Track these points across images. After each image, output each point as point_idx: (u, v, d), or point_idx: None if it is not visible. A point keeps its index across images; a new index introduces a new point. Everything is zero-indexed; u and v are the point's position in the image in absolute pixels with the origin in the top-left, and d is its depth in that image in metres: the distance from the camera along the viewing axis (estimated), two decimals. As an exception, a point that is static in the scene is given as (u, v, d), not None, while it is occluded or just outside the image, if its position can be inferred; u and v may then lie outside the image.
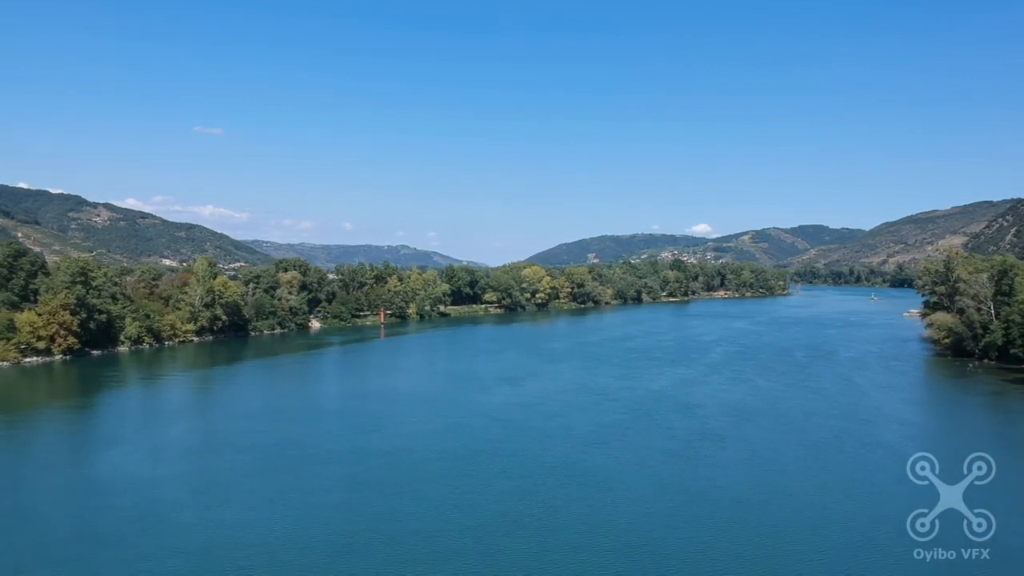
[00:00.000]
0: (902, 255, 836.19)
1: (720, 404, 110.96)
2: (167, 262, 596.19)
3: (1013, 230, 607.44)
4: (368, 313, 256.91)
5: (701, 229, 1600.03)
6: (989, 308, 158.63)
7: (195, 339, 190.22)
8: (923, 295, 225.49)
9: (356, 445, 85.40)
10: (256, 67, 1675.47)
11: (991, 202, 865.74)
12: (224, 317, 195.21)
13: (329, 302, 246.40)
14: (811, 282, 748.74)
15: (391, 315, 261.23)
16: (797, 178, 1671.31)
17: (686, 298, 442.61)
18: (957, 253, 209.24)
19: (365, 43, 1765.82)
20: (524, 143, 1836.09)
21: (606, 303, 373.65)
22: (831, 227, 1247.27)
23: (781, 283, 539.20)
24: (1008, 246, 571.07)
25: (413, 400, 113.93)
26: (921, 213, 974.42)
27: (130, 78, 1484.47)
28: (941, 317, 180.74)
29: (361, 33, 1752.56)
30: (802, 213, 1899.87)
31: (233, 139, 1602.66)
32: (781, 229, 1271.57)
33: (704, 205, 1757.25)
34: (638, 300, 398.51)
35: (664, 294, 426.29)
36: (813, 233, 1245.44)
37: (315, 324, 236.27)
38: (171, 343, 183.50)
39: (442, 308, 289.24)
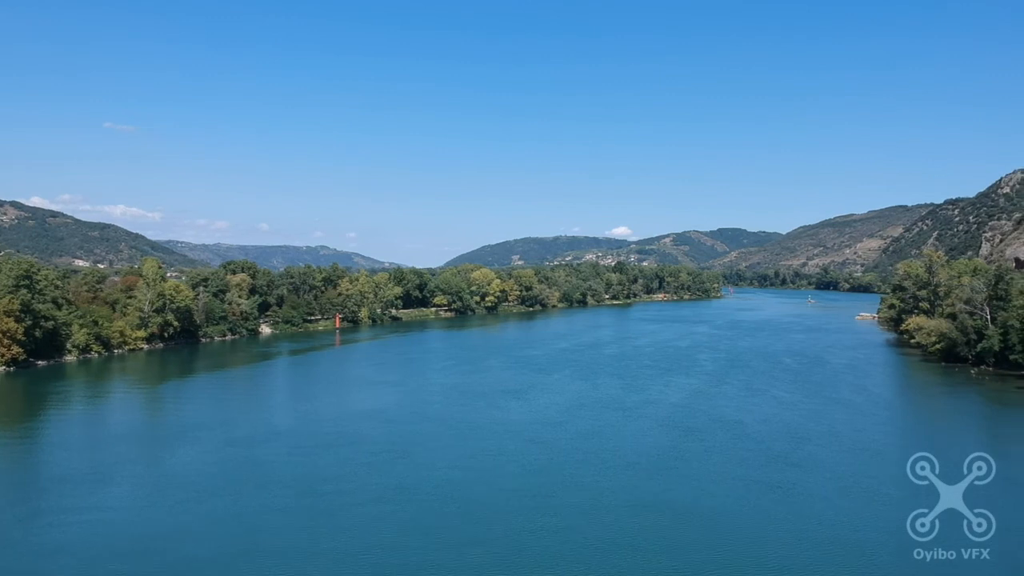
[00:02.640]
0: (821, 258, 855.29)
1: (761, 421, 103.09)
2: (80, 263, 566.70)
3: (935, 234, 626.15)
4: (319, 317, 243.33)
5: (621, 232, 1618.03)
6: (985, 313, 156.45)
7: (145, 346, 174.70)
8: (897, 299, 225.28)
9: (393, 482, 73.78)
10: (169, 63, 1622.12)
11: (905, 206, 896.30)
12: (176, 323, 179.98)
13: (279, 306, 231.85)
14: (737, 284, 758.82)
15: (342, 319, 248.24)
16: (715, 181, 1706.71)
17: (628, 300, 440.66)
18: (938, 257, 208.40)
19: (279, 38, 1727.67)
20: (446, 143, 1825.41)
21: (553, 306, 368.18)
22: (749, 230, 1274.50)
23: (716, 286, 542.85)
24: (927, 250, 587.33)
25: (424, 421, 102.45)
26: (838, 217, 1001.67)
27: (35, 72, 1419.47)
28: (928, 322, 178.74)
29: (275, 27, 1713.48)
30: (721, 216, 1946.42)
31: (145, 136, 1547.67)
32: (701, 232, 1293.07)
33: (623, 208, 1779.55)
34: (583, 303, 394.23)
35: (607, 297, 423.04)
36: (732, 236, 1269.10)
37: (266, 330, 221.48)
38: (121, 351, 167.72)
39: (393, 312, 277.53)
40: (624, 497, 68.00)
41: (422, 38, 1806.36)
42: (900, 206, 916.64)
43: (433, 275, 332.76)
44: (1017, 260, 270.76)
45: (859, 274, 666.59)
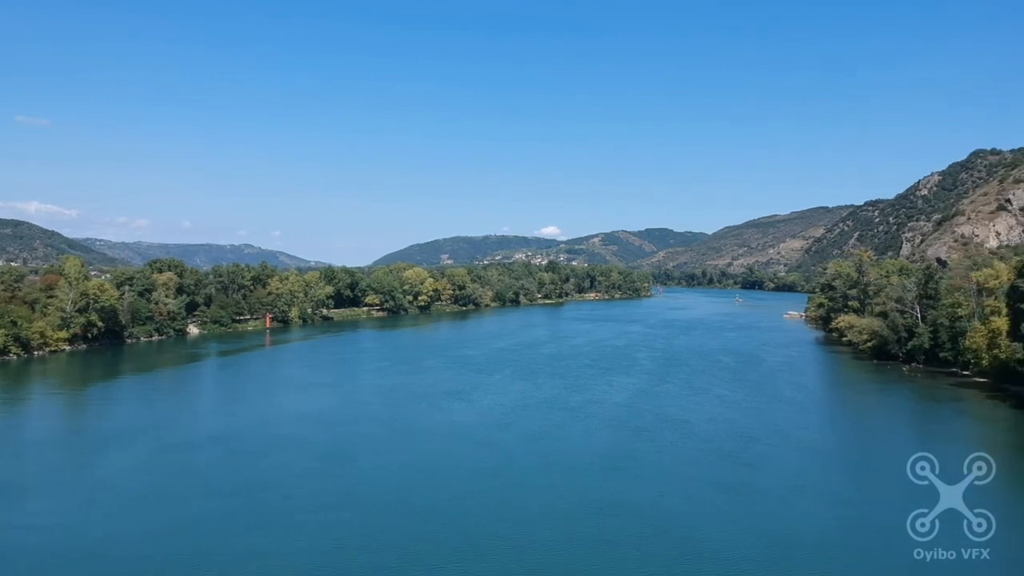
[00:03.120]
0: (746, 258, 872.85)
1: (707, 420, 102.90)
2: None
3: (856, 234, 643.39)
4: (249, 317, 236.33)
5: (550, 231, 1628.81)
6: (915, 312, 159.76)
7: (67, 348, 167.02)
8: (826, 298, 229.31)
9: (341, 487, 70.57)
10: (85, 56, 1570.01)
11: (827, 208, 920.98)
12: (100, 323, 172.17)
13: (207, 305, 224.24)
14: (666, 284, 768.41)
15: (272, 319, 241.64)
16: (642, 181, 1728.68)
17: (560, 300, 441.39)
18: (868, 257, 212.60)
19: (200, 34, 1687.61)
20: (373, 140, 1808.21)
21: (486, 305, 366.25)
22: (676, 230, 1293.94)
23: (646, 285, 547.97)
24: (851, 250, 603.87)
25: (367, 424, 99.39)
26: (762, 218, 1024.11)
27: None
28: (858, 320, 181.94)
29: (194, 24, 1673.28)
30: (648, 216, 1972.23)
31: (61, 130, 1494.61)
32: (629, 232, 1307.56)
33: (553, 207, 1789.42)
34: (516, 302, 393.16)
35: (540, 296, 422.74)
36: (660, 236, 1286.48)
37: (194, 330, 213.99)
38: (41, 353, 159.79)
39: (325, 311, 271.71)
40: (582, 500, 66.32)
41: (366, 35, 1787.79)
42: (821, 207, 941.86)
43: (365, 274, 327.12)
44: (939, 260, 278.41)
45: (783, 273, 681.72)
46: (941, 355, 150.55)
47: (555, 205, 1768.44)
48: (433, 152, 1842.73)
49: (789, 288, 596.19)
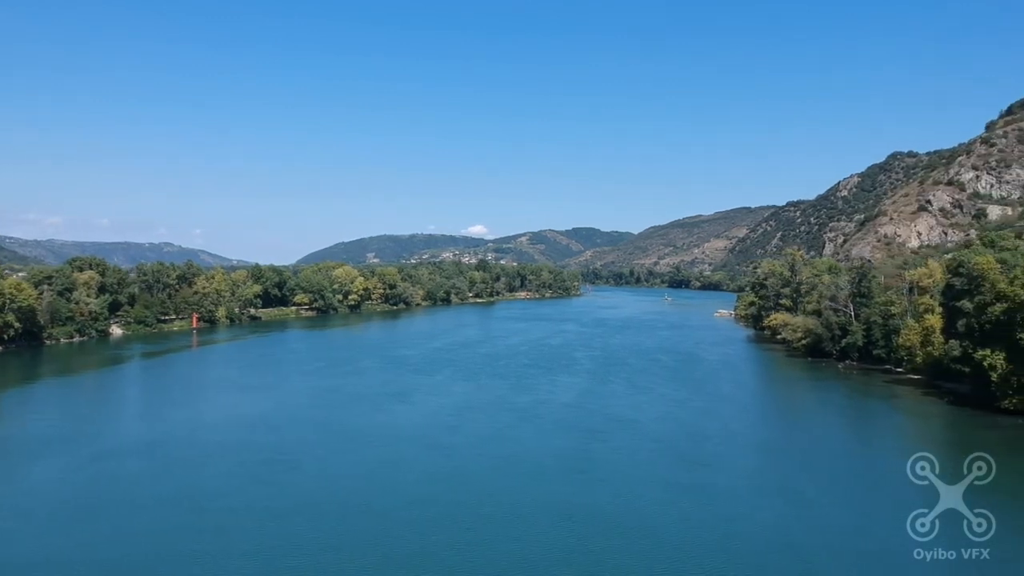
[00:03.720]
0: (671, 257, 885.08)
1: (657, 420, 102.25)
2: None
3: (779, 234, 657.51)
4: (174, 317, 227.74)
5: (477, 230, 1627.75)
6: (849, 310, 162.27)
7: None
8: (757, 297, 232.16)
9: (288, 495, 66.97)
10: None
11: (749, 208, 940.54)
12: (17, 324, 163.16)
13: (131, 305, 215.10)
14: (594, 283, 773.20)
15: (199, 319, 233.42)
16: (570, 181, 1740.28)
17: (492, 299, 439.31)
18: (800, 256, 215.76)
19: (113, 25, 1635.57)
20: (297, 137, 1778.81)
21: (417, 304, 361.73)
22: (603, 230, 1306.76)
23: (576, 284, 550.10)
24: (774, 249, 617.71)
25: (310, 428, 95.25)
26: (687, 218, 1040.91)
27: None
28: (793, 318, 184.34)
29: (106, 15, 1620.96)
30: (576, 216, 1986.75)
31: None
32: (556, 231, 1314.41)
33: (480, 206, 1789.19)
34: (447, 301, 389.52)
35: (471, 295, 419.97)
36: (587, 235, 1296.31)
37: (117, 331, 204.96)
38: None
39: (252, 311, 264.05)
40: (542, 505, 64.13)
41: (243, 28, 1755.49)
42: (744, 208, 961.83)
43: (293, 273, 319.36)
44: (862, 259, 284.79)
45: (708, 273, 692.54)
46: (875, 352, 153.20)
47: (482, 204, 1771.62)
48: (358, 149, 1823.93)
49: (715, 287, 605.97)
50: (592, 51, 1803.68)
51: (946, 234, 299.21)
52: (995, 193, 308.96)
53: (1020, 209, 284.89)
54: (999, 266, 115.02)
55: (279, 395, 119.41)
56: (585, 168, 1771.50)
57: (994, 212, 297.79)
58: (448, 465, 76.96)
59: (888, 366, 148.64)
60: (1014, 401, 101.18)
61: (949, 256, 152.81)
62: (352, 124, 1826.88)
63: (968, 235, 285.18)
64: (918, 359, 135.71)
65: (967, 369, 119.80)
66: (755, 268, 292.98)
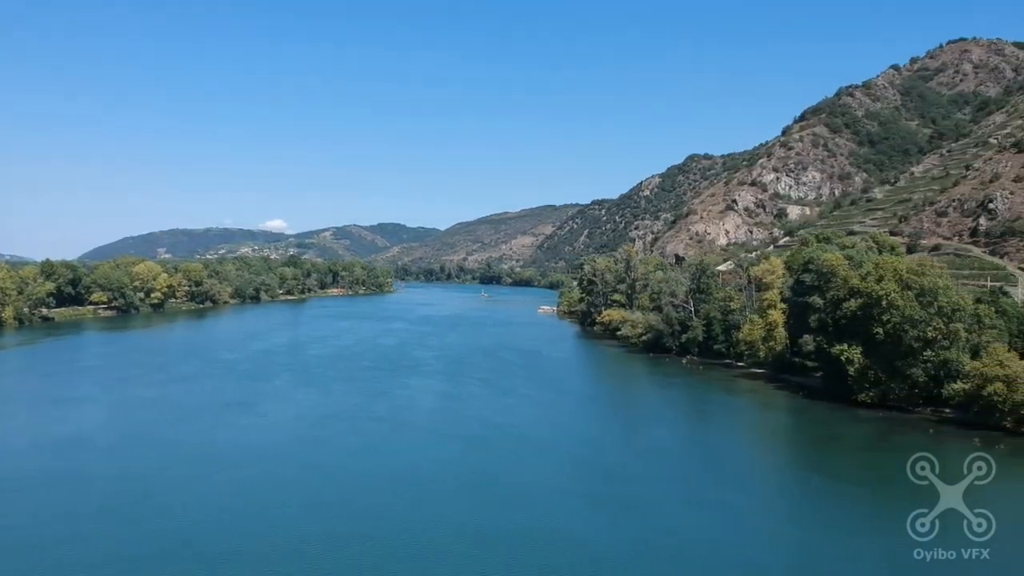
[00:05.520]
0: (480, 253, 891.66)
1: (537, 424, 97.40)
2: None
3: (585, 232, 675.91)
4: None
5: (277, 224, 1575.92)
6: (689, 306, 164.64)
7: None
8: (585, 292, 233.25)
9: (145, 537, 55.28)
10: None
11: (554, 206, 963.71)
12: None
13: None
14: (404, 279, 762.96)
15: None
16: (374, 176, 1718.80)
17: (303, 296, 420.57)
18: (635, 253, 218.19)
19: None
20: (73, 122, 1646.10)
21: (224, 302, 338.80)
22: (409, 226, 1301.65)
23: (389, 280, 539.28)
24: (582, 246, 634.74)
25: (151, 448, 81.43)
26: (494, 215, 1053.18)
27: None
28: (631, 315, 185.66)
29: None
30: (381, 211, 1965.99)
31: None
32: (361, 227, 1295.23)
33: (279, 199, 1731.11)
34: (256, 298, 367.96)
35: (281, 292, 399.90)
36: (392, 231, 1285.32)
37: None
38: None
39: (45, 311, 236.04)
40: (454, 530, 56.65)
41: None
42: (549, 206, 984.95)
43: (89, 269, 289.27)
44: (677, 256, 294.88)
45: (519, 269, 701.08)
46: (715, 347, 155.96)
47: (281, 197, 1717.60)
48: (146, 138, 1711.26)
49: (526, 283, 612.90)
50: (394, 43, 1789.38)
51: (751, 232, 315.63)
52: (794, 194, 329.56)
53: (818, 209, 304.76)
54: (847, 262, 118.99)
55: (101, 409, 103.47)
56: (390, 163, 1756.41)
57: (794, 212, 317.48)
58: (328, 488, 67.29)
59: (729, 360, 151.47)
60: (871, 395, 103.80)
61: (788, 253, 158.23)
62: (137, 111, 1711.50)
63: (772, 234, 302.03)
64: (761, 354, 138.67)
65: (816, 364, 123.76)
66: (581, 265, 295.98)
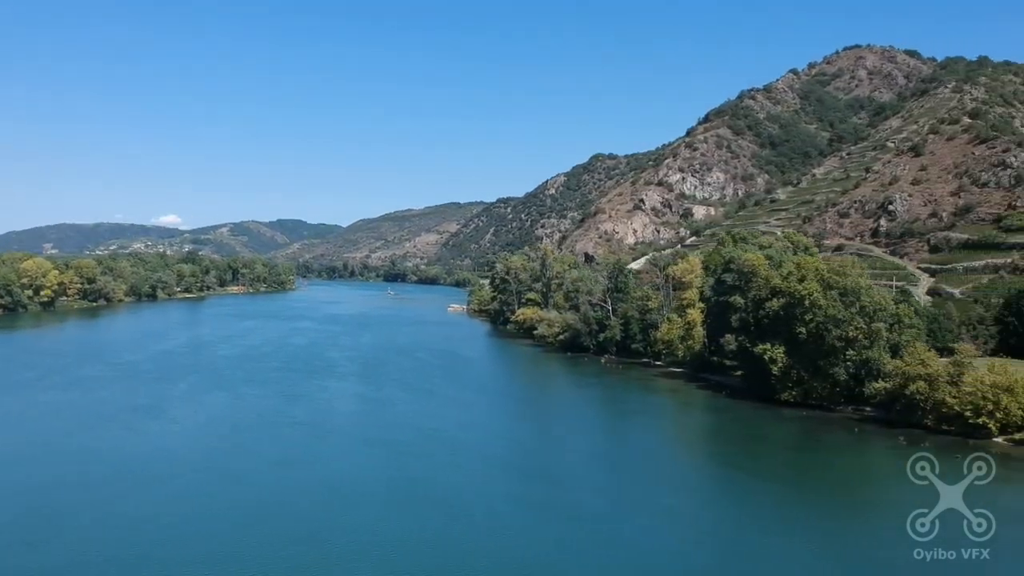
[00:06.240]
0: (383, 251, 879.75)
1: (464, 428, 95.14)
2: None
3: (491, 230, 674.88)
4: None
5: (171, 220, 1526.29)
6: (607, 305, 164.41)
7: None
8: (498, 291, 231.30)
9: (56, 565, 50.66)
10: None
11: (459, 204, 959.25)
12: None
13: None
14: (306, 276, 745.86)
15: None
16: (273, 171, 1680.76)
17: (202, 294, 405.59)
18: (550, 251, 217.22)
19: None
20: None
21: (119, 300, 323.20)
22: (310, 222, 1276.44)
23: (291, 278, 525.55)
24: (488, 244, 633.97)
25: (57, 460, 74.79)
26: (397, 212, 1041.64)
27: None
28: (548, 314, 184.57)
29: None
30: (280, 207, 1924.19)
31: None
32: (260, 222, 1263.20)
33: (172, 194, 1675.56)
34: (153, 296, 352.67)
35: (179, 290, 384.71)
36: (292, 228, 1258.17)
37: None
38: None
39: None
40: (402, 549, 53.31)
41: None
42: (454, 203, 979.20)
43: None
44: (586, 255, 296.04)
45: (424, 267, 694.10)
46: (632, 347, 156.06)
47: (175, 192, 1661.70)
48: (29, 128, 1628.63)
49: (432, 281, 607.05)
50: (291, 37, 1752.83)
51: (659, 232, 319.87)
52: (699, 194, 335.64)
53: (723, 209, 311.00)
54: (767, 261, 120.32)
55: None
56: (290, 157, 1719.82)
57: (699, 212, 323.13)
58: (252, 502, 62.92)
59: (647, 360, 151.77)
60: (793, 393, 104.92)
61: (706, 253, 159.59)
62: (9, 98, 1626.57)
63: (679, 233, 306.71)
64: (679, 353, 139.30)
65: (736, 363, 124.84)
66: (491, 263, 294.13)
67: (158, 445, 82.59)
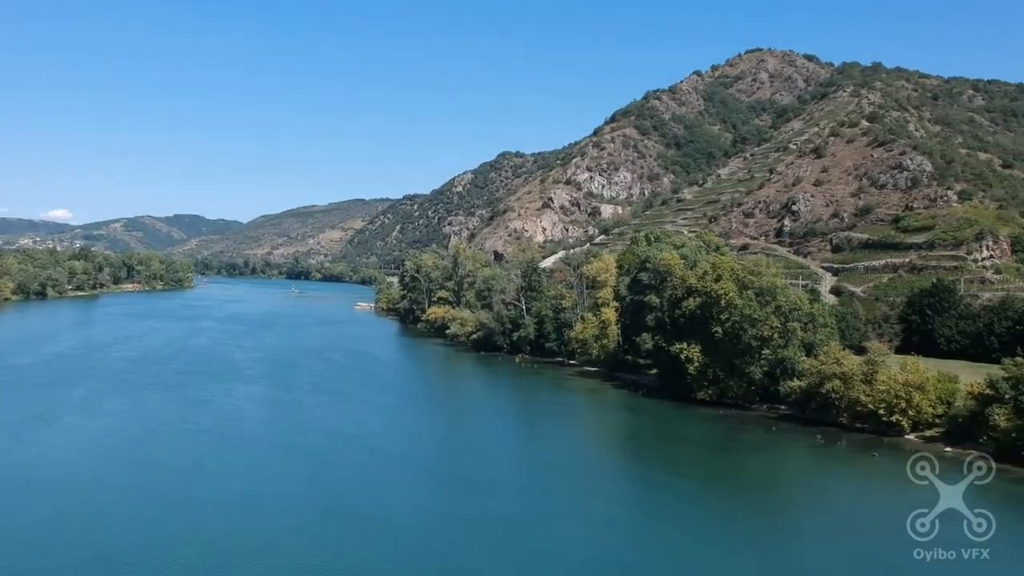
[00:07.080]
0: (286, 247, 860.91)
1: (384, 433, 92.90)
2: None
3: (397, 227, 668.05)
4: None
5: (61, 215, 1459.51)
6: (521, 304, 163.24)
7: None
8: (408, 289, 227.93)
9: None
10: None
11: (364, 200, 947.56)
12: None
13: None
14: (205, 273, 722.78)
15: None
16: (168, 166, 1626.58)
17: (95, 291, 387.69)
18: (463, 249, 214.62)
19: None
20: None
21: (6, 298, 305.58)
22: (208, 218, 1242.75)
23: (190, 275, 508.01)
24: (395, 241, 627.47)
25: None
26: (301, 208, 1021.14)
27: None
28: (461, 313, 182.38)
29: None
30: (177, 202, 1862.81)
31: None
32: (155, 218, 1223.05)
33: (62, 187, 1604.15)
34: (43, 294, 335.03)
35: (71, 287, 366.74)
36: (190, 223, 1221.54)
37: None
38: None
39: None
40: (321, 563, 50.39)
41: None
42: (359, 200, 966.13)
43: None
44: (496, 253, 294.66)
45: (329, 264, 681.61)
46: (547, 346, 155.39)
47: (65, 185, 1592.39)
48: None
49: (336, 278, 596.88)
50: (186, 24, 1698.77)
51: (567, 230, 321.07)
52: (606, 193, 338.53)
53: (630, 208, 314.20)
54: (683, 261, 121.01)
55: None
56: (186, 151, 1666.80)
57: (607, 211, 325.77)
58: (160, 520, 58.49)
59: (561, 359, 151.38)
60: (710, 392, 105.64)
61: (619, 252, 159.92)
62: None
63: (587, 232, 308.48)
64: (593, 352, 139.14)
65: (652, 362, 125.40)
66: (401, 261, 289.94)
67: (49, 456, 76.71)
